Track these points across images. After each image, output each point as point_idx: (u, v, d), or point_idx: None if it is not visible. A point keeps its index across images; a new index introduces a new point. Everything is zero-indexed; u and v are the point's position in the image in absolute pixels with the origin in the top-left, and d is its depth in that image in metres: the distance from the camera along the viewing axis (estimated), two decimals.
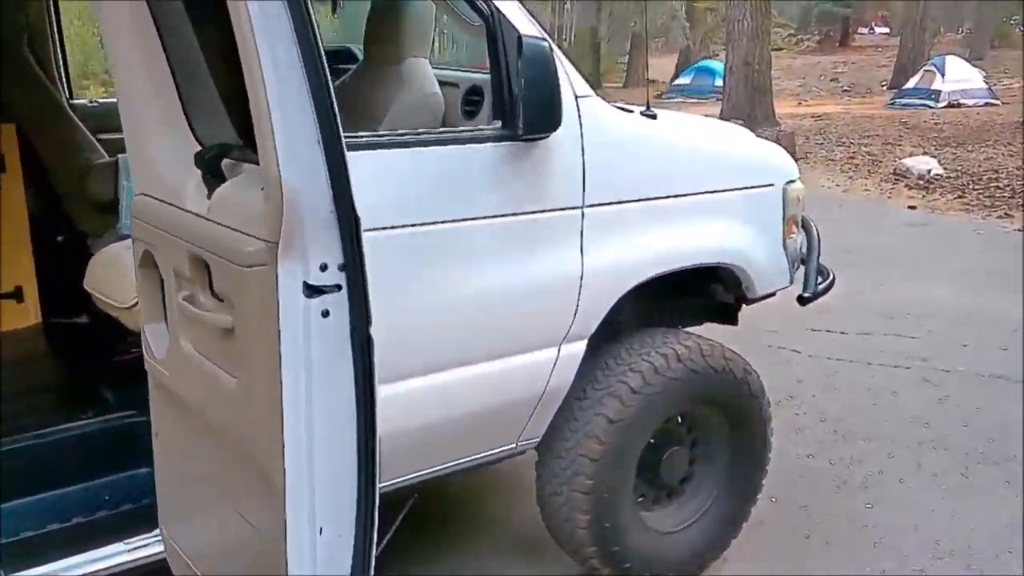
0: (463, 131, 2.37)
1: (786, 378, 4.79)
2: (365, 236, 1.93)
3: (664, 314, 3.24)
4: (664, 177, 2.72)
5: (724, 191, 2.88)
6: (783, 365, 5.00)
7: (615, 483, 2.76)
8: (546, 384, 2.60)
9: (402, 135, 2.27)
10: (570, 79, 2.49)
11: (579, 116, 2.50)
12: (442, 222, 2.29)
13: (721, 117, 15.91)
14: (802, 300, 3.22)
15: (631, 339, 2.88)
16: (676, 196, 2.74)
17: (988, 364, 5.01)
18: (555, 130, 2.22)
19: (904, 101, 20.53)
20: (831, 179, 11.62)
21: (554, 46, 2.23)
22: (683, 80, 26.96)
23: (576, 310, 2.57)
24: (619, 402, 2.72)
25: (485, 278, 2.39)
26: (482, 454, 2.63)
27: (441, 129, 2.37)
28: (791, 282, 3.20)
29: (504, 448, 2.67)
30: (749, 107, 13.60)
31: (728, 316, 3.37)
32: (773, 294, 3.19)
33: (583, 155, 2.51)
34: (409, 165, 2.24)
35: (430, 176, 2.27)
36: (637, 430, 2.76)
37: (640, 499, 2.96)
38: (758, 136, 3.43)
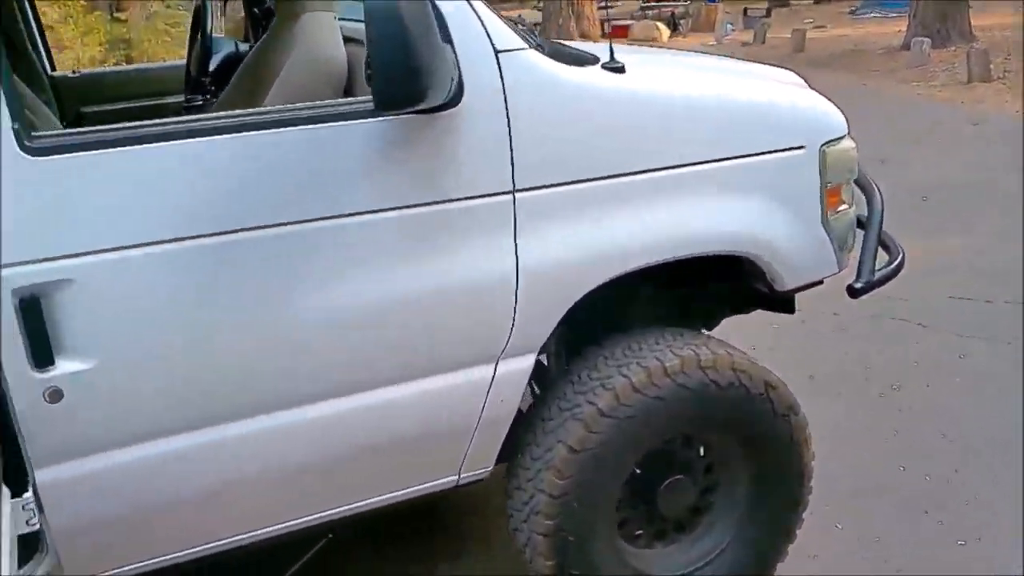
0: (327, 106, 1.89)
1: (898, 361, 4.02)
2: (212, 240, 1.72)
3: (687, 308, 2.68)
4: (633, 147, 2.12)
5: (725, 160, 2.24)
6: (898, 344, 4.20)
7: (584, 524, 2.27)
8: (482, 407, 2.13)
9: (235, 116, 1.82)
10: (487, 31, 1.96)
11: (501, 78, 1.96)
12: (310, 220, 1.85)
13: (908, 32, 14.30)
14: (852, 292, 2.52)
15: (614, 345, 2.35)
16: (652, 171, 2.14)
17: None
18: (419, 102, 1.70)
19: None
20: None
21: None
22: None
23: (514, 319, 2.07)
24: (583, 427, 2.21)
25: (380, 285, 1.93)
26: (411, 488, 2.20)
27: (299, 105, 1.90)
28: (841, 267, 2.52)
29: (443, 480, 2.23)
30: (939, 20, 11.94)
31: (782, 303, 2.73)
32: (819, 282, 2.54)
33: (509, 126, 1.98)
34: (257, 152, 1.80)
35: (289, 165, 1.83)
36: (610, 461, 2.24)
37: (637, 535, 2.45)
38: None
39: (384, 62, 1.63)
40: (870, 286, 2.52)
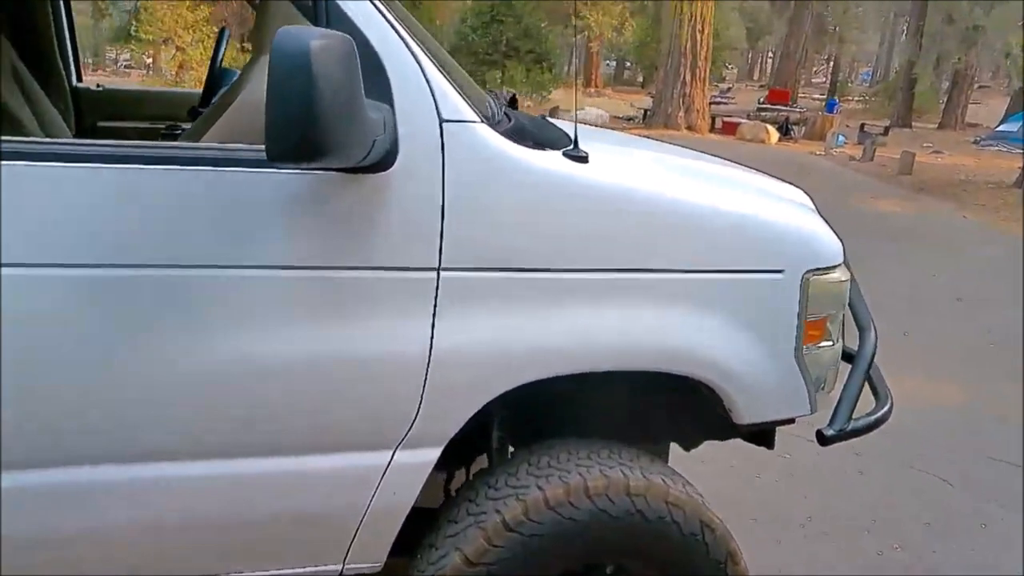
0: (239, 151, 1.77)
1: (910, 518, 3.65)
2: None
3: (651, 425, 2.47)
4: (578, 242, 1.95)
5: (682, 272, 2.04)
6: (915, 500, 3.82)
7: None
8: (371, 497, 1.95)
9: (132, 147, 1.71)
10: (435, 97, 1.83)
11: (442, 148, 1.83)
12: (201, 267, 1.73)
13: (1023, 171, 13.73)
14: (821, 439, 2.26)
15: (542, 451, 2.16)
16: (595, 271, 1.97)
17: None
18: (314, 159, 1.55)
19: None
20: None
21: (353, 49, 1.57)
22: (1009, 127, 23.85)
23: (419, 407, 1.90)
24: (483, 538, 2.01)
25: (272, 345, 1.79)
26: (289, 569, 2.03)
27: (210, 145, 1.79)
28: (813, 408, 2.27)
29: (326, 567, 2.05)
30: None
31: (759, 435, 2.49)
32: (787, 421, 2.29)
33: (443, 200, 1.84)
34: (149, 186, 1.70)
35: (186, 206, 1.72)
36: None
37: None
38: None
39: (276, 111, 1.50)
40: (842, 435, 2.26)
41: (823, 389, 2.29)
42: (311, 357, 1.81)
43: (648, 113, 22.05)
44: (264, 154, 1.55)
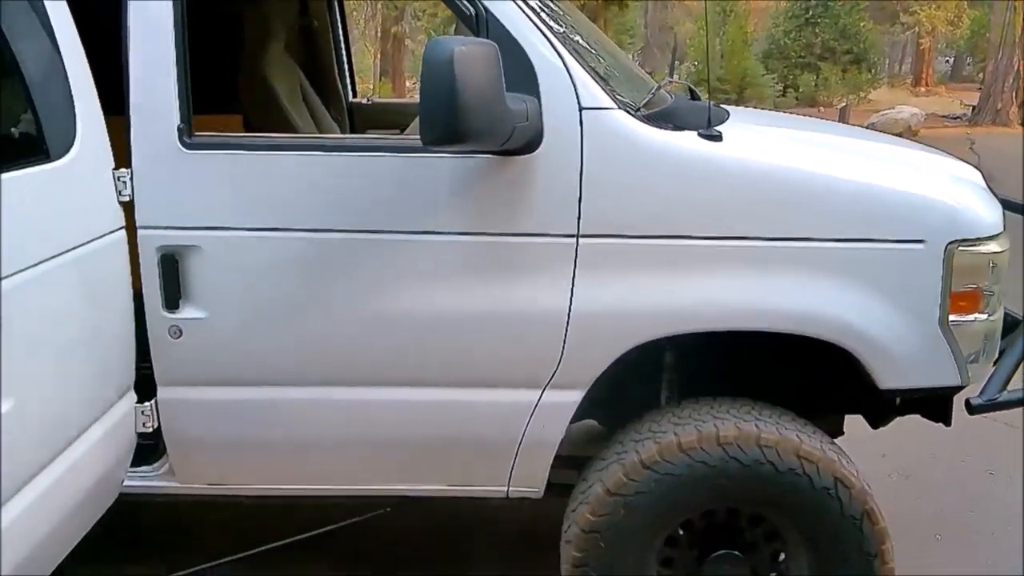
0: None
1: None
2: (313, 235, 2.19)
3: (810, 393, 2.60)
4: (708, 213, 2.18)
5: (816, 240, 2.18)
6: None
7: (607, 565, 2.32)
8: (524, 428, 2.31)
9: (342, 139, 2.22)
10: (576, 89, 2.16)
11: (581, 133, 2.15)
12: (395, 232, 2.20)
13: None
14: (968, 407, 2.27)
15: (687, 404, 2.39)
16: (723, 238, 2.18)
17: None
18: (460, 143, 1.94)
19: None
20: None
21: (495, 52, 1.95)
22: None
23: (561, 354, 2.23)
24: (622, 472, 2.29)
25: (446, 296, 2.22)
26: (463, 487, 2.44)
27: (397, 137, 2.24)
28: (964, 379, 2.29)
29: (493, 488, 2.43)
30: None
31: (936, 410, 2.54)
32: (939, 391, 2.33)
33: (581, 177, 2.16)
34: (354, 170, 2.19)
35: (380, 184, 2.19)
36: (643, 512, 2.28)
37: None
38: None
39: (427, 105, 1.91)
40: (991, 406, 2.26)
41: (974, 360, 2.29)
42: (479, 308, 2.22)
43: (975, 110, 20.29)
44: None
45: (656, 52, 50.39)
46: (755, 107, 25.60)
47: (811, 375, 2.50)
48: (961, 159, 2.69)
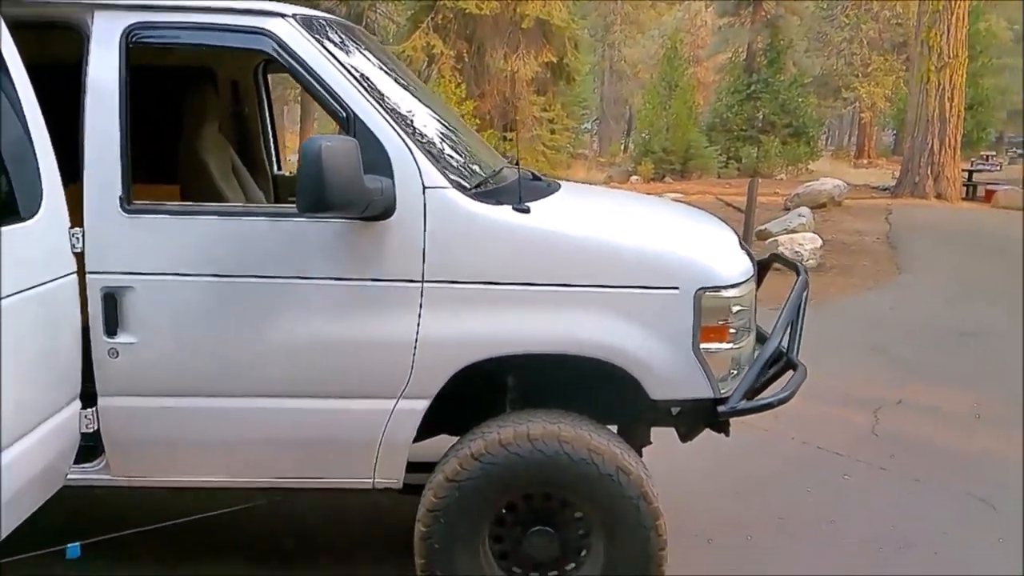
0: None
1: None
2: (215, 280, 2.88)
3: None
4: (515, 265, 2.92)
5: (597, 287, 2.93)
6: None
7: (448, 537, 3.00)
8: (383, 430, 3.01)
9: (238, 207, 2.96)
10: (420, 172, 2.91)
11: (424, 205, 2.90)
12: (281, 277, 2.92)
13: None
14: (716, 414, 3.03)
15: (513, 414, 3.11)
16: (528, 284, 2.92)
17: None
18: (323, 211, 2.65)
19: None
20: None
21: (354, 147, 2.70)
22: None
23: (411, 371, 2.95)
24: (457, 464, 2.99)
25: (321, 327, 2.93)
26: (340, 478, 3.13)
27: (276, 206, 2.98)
28: (715, 392, 3.03)
29: (363, 479, 3.12)
30: None
31: (716, 423, 3.28)
32: (698, 402, 3.07)
33: (424, 238, 2.90)
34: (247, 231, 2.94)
35: (266, 241, 2.93)
36: (473, 495, 2.98)
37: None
38: None
39: (302, 184, 2.64)
40: (733, 412, 3.01)
41: (727, 380, 3.04)
42: (349, 335, 2.93)
43: (896, 182, 21.57)
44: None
45: (611, 122, 52.49)
46: (699, 177, 27.21)
47: (614, 392, 3.23)
48: (725, 222, 3.50)
